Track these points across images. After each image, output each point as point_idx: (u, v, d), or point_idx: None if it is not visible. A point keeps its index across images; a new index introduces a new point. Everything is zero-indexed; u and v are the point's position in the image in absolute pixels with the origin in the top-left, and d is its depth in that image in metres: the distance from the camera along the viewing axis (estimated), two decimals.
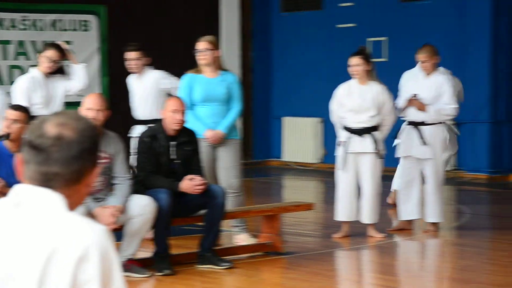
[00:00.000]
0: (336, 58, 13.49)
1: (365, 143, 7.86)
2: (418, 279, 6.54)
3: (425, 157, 8.09)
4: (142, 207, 6.29)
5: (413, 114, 8.14)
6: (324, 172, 13.06)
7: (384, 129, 7.97)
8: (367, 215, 7.92)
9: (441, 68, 8.52)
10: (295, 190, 12.68)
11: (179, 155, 6.69)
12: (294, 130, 14.54)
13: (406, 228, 8.33)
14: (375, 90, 7.90)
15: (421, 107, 8.07)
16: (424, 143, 8.07)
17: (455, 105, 8.10)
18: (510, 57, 12.33)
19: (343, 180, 7.97)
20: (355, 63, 7.90)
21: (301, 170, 14.15)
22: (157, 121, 6.94)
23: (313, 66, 14.34)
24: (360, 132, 7.89)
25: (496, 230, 8.75)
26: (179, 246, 7.35)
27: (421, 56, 8.16)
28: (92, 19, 12.93)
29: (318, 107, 13.40)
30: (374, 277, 6.59)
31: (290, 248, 7.39)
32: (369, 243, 7.77)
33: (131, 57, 8.21)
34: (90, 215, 6.15)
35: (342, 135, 7.99)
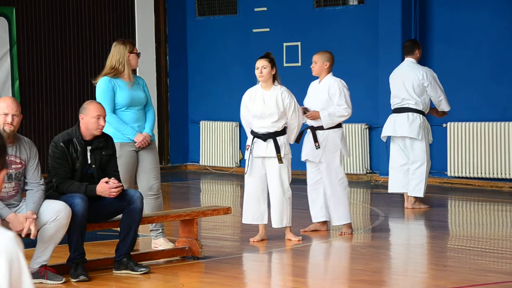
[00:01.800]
0: (252, 63, 13.55)
1: (269, 148, 7.95)
2: (330, 281, 6.64)
3: (318, 160, 8.26)
4: (56, 213, 6.22)
5: (309, 120, 8.35)
6: (241, 176, 13.11)
7: (291, 133, 8.07)
8: (275, 219, 8.01)
9: (329, 76, 8.61)
10: (213, 194, 12.70)
11: (95, 160, 6.63)
12: (211, 134, 14.56)
13: (321, 229, 8.47)
14: (279, 95, 7.99)
15: (315, 116, 8.24)
16: (318, 146, 8.25)
17: (345, 105, 8.26)
18: (422, 60, 12.61)
19: (248, 184, 8.06)
20: (262, 65, 7.98)
21: (218, 174, 14.18)
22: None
23: (229, 70, 14.39)
24: (264, 137, 7.96)
25: (409, 232, 8.94)
26: (95, 252, 7.28)
27: (314, 57, 8.43)
28: (1, 22, 12.67)
29: (235, 111, 13.42)
30: (288, 279, 6.66)
31: (208, 252, 7.41)
32: (285, 246, 7.84)
33: None
34: (3, 221, 6.05)
35: (249, 140, 8.08)
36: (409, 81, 9.99)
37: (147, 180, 7.49)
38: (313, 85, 8.51)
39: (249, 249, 7.79)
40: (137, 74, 7.67)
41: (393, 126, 10.06)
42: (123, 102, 7.41)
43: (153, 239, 7.65)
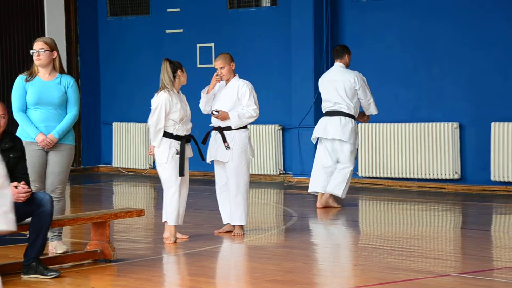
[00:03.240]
0: None
1: (190, 149, 8.18)
2: (243, 282, 6.66)
3: (226, 160, 8.31)
4: None
5: (216, 121, 8.38)
6: (154, 177, 13.03)
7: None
8: (167, 216, 8.08)
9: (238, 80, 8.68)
10: (126, 196, 12.59)
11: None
12: (124, 136, 14.43)
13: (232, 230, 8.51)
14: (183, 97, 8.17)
15: (225, 117, 8.30)
16: (228, 147, 8.30)
17: (254, 106, 8.34)
18: (333, 62, 12.78)
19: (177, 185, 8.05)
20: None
21: (131, 176, 14.06)
22: None
23: (142, 71, 14.29)
24: (188, 139, 8.10)
25: (321, 232, 9.04)
26: (3, 256, 7.14)
27: (217, 63, 8.41)
28: None
29: (147, 113, 13.35)
30: (201, 281, 6.65)
31: (121, 255, 7.34)
32: (199, 247, 7.83)
33: None
34: None
35: (175, 143, 8.05)
36: (341, 85, 10.17)
37: (51, 183, 7.38)
38: (220, 87, 8.55)
39: (162, 251, 7.75)
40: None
41: (324, 128, 10.21)
42: (31, 100, 7.31)
43: (49, 242, 7.52)
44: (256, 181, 13.07)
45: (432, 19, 11.88)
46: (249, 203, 8.64)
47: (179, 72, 8.07)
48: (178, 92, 8.12)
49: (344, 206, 10.42)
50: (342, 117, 10.16)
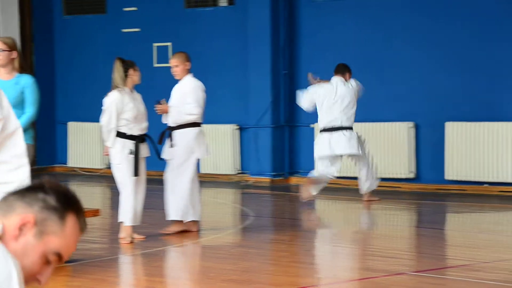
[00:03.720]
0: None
1: (146, 149, 8.12)
2: (199, 281, 6.65)
3: (167, 158, 8.32)
4: None
5: (164, 118, 8.42)
6: (110, 177, 12.94)
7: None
8: (123, 216, 8.03)
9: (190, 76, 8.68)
10: (81, 196, 12.46)
11: None
12: (79, 135, 14.32)
13: (192, 229, 8.48)
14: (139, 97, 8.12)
15: (164, 110, 8.34)
16: (172, 145, 8.33)
17: (195, 104, 8.36)
18: (290, 62, 12.82)
19: (132, 184, 8.01)
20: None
21: (87, 176, 13.96)
22: None
23: (98, 71, 14.19)
24: (140, 139, 8.02)
25: (278, 231, 9.07)
26: None
27: (172, 61, 8.47)
28: None
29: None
30: (156, 281, 6.63)
31: (75, 255, 7.28)
32: (156, 247, 7.80)
33: None
34: None
35: (129, 143, 8.00)
36: (343, 98, 10.26)
37: None
38: (176, 87, 8.59)
39: (118, 251, 7.71)
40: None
41: (328, 145, 10.24)
42: None
43: None
44: (213, 181, 13.07)
45: (386, 20, 11.98)
46: (201, 201, 8.57)
47: (131, 71, 8.03)
48: (131, 91, 8.08)
49: (300, 206, 10.46)
50: (345, 131, 10.28)
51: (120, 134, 7.99)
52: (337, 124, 10.27)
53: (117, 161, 7.96)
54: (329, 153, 10.23)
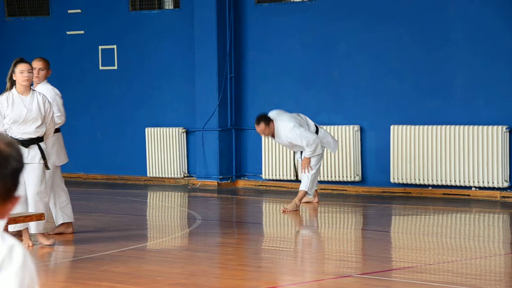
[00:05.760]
0: (66, 66, 13.29)
1: (32, 154, 7.71)
2: (146, 286, 6.61)
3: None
4: None
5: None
6: None
7: (48, 138, 7.95)
8: (33, 225, 7.83)
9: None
10: None
11: None
12: None
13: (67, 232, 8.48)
14: (40, 99, 7.80)
15: None
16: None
17: (59, 113, 8.27)
18: (237, 65, 12.83)
19: None
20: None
21: None
22: None
23: None
24: (26, 143, 7.68)
25: (225, 235, 9.06)
26: None
27: (38, 64, 8.33)
28: None
29: None
30: (104, 286, 6.57)
31: None
32: (102, 251, 7.73)
33: None
34: None
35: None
36: None
37: None
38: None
39: (58, 256, 7.62)
40: None
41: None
42: None
43: None
44: (160, 184, 13.00)
45: (332, 23, 12.06)
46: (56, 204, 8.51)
47: (17, 72, 7.77)
48: (22, 93, 7.80)
49: (248, 208, 10.47)
50: None
51: None
52: None
53: None
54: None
